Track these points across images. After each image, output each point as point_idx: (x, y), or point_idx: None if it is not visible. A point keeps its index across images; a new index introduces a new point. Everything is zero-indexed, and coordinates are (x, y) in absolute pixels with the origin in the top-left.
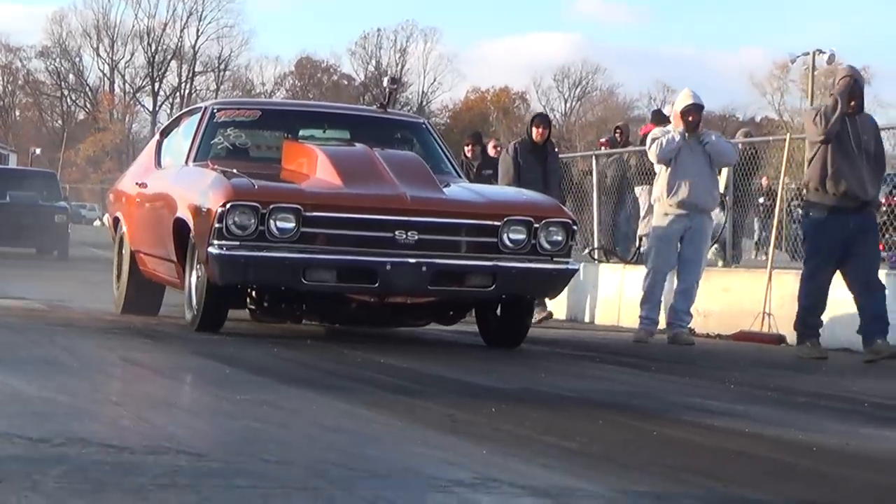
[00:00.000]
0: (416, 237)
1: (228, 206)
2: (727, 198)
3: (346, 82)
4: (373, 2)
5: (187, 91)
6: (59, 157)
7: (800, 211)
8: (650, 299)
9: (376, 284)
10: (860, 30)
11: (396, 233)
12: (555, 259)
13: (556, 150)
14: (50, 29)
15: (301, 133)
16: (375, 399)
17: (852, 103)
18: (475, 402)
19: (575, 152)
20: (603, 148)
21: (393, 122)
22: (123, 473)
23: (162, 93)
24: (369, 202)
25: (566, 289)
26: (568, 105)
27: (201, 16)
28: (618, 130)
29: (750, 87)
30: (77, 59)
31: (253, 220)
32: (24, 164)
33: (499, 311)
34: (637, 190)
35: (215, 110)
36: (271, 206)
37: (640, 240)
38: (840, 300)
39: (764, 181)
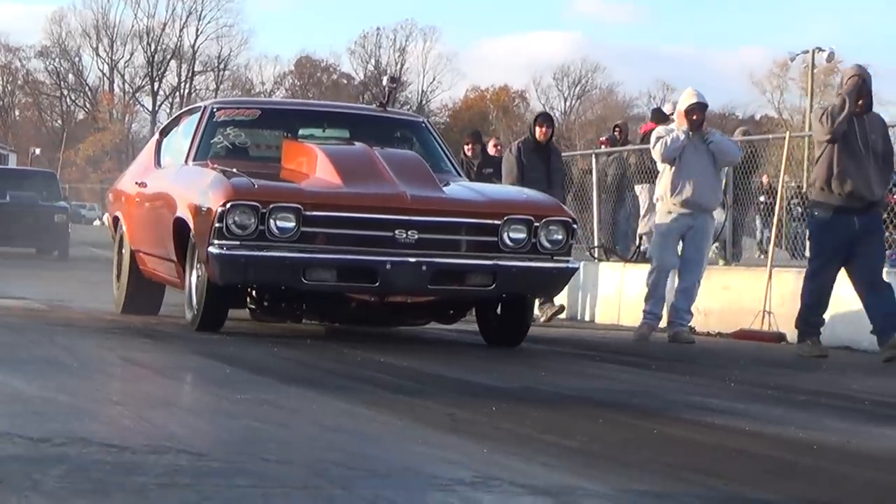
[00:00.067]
0: (416, 236)
1: (228, 205)
2: (727, 196)
3: (345, 81)
4: (372, 1)
5: (187, 91)
6: (58, 157)
7: (800, 209)
8: (654, 295)
9: (376, 284)
10: (860, 28)
11: (396, 232)
12: (555, 258)
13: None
14: (49, 29)
15: (301, 132)
16: (376, 398)
17: (860, 102)
18: (475, 401)
19: (575, 151)
20: (603, 147)
21: (392, 121)
22: (124, 473)
23: (161, 92)
24: (369, 201)
25: (566, 287)
26: (567, 104)
27: (200, 15)
28: (617, 129)
29: (750, 86)
30: (76, 59)
31: (253, 220)
32: (24, 164)
33: (499, 310)
34: (637, 188)
35: (215, 110)
36: (271, 206)
37: (641, 238)
38: (841, 298)
39: (764, 179)
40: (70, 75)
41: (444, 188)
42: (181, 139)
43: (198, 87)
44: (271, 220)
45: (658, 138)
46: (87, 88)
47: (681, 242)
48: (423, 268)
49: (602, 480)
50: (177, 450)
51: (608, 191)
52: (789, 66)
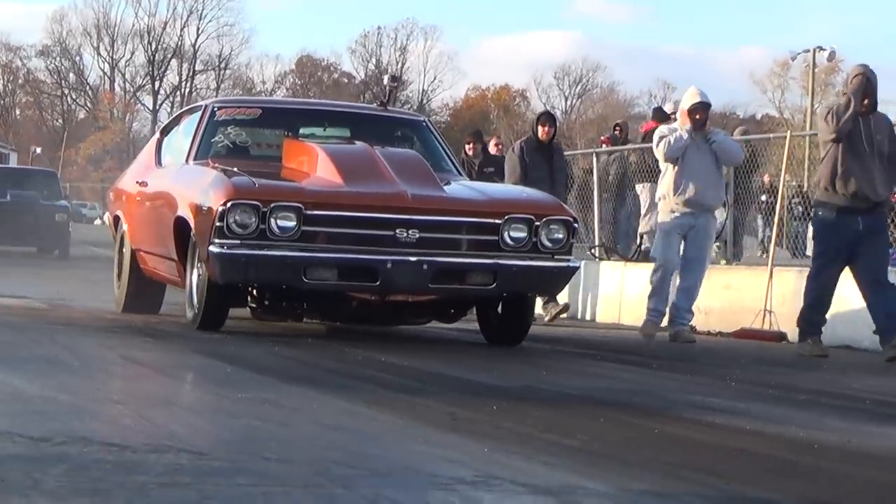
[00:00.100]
0: (417, 235)
1: (229, 204)
2: (728, 196)
3: (346, 80)
4: (373, 0)
5: (188, 90)
6: (59, 156)
7: (800, 208)
8: (658, 293)
9: (377, 283)
10: (861, 27)
11: (397, 231)
12: (556, 257)
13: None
14: (50, 28)
15: (301, 131)
16: (376, 397)
17: (865, 102)
18: (476, 400)
19: (575, 150)
20: (604, 146)
21: (393, 120)
22: (125, 472)
23: (162, 91)
24: (370, 200)
25: (567, 287)
26: (568, 103)
27: (202, 14)
28: (617, 128)
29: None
30: (77, 58)
31: (254, 219)
32: (25, 163)
33: (500, 309)
34: (638, 187)
35: (216, 109)
36: (272, 205)
37: (642, 237)
38: (842, 298)
39: (766, 178)
40: (71, 74)
41: (445, 187)
42: (182, 138)
43: (199, 87)
44: (272, 220)
45: (661, 137)
46: (87, 87)
47: (682, 241)
48: (424, 267)
49: (603, 479)
50: (177, 449)
51: (609, 190)
52: (790, 66)
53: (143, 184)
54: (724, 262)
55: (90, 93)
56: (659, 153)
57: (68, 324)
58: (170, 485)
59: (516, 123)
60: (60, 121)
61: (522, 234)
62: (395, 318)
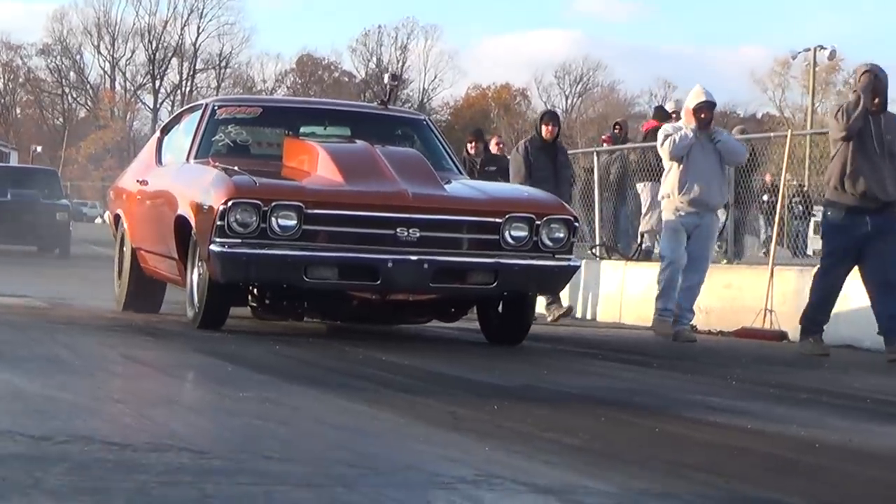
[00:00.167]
0: (418, 234)
1: (230, 203)
2: (728, 195)
3: (346, 79)
4: None
5: (188, 88)
6: (60, 155)
7: (801, 208)
8: (668, 291)
9: (378, 282)
10: (862, 26)
11: (398, 230)
12: (556, 256)
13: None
14: (51, 27)
15: (302, 130)
16: (377, 396)
17: (876, 100)
18: (477, 399)
19: (576, 149)
20: (605, 144)
21: (394, 118)
22: (126, 471)
23: (163, 90)
24: (371, 199)
25: (568, 286)
26: (569, 102)
27: (202, 13)
28: (617, 126)
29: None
30: (78, 57)
31: (254, 218)
32: (25, 162)
33: (500, 309)
34: (639, 186)
35: (216, 107)
36: (273, 204)
37: (642, 237)
38: (843, 297)
39: (768, 178)
40: (71, 73)
41: (446, 186)
42: (182, 137)
43: (199, 85)
44: (273, 218)
45: (666, 136)
46: (88, 86)
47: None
48: (425, 266)
49: (604, 478)
50: (178, 448)
51: (610, 189)
52: (791, 65)
53: (144, 182)
54: (724, 261)
55: (91, 91)
56: (664, 152)
57: (69, 323)
58: (171, 484)
59: (517, 122)
60: (61, 119)
61: (523, 234)
62: (395, 317)
